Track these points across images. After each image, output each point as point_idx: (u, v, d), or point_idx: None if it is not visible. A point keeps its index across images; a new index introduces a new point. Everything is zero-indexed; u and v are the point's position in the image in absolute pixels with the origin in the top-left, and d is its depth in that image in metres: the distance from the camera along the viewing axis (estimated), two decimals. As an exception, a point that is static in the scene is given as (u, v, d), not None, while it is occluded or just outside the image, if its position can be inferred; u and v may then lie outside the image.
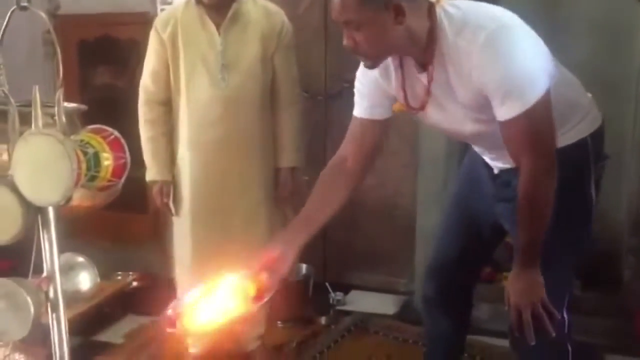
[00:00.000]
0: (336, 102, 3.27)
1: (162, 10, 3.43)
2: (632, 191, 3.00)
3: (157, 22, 2.44)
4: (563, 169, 1.62)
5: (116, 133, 1.24)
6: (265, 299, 1.57)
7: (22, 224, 1.13)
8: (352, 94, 1.86)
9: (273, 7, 2.48)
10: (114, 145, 1.21)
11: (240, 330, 2.59)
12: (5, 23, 1.21)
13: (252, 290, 1.57)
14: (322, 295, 3.34)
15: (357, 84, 1.83)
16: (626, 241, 3.04)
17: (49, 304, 1.20)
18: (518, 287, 1.71)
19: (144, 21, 3.49)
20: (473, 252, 2.05)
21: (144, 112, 2.46)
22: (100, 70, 3.75)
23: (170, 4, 3.41)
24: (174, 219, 2.56)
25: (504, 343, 2.92)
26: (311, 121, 3.13)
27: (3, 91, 1.17)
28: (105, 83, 3.74)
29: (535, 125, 1.57)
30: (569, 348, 1.83)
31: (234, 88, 2.38)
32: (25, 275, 1.24)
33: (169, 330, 1.51)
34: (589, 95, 1.86)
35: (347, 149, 1.84)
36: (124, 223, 3.60)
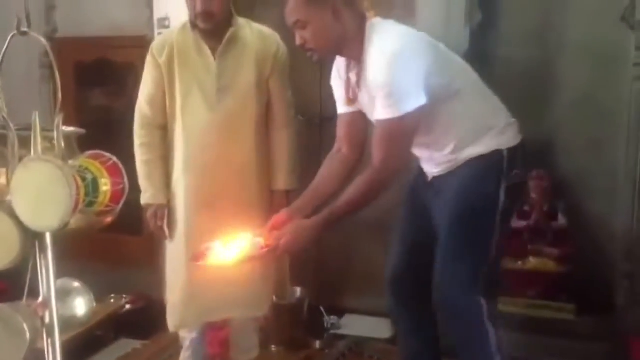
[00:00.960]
0: (331, 125, 3.28)
1: (159, 34, 3.46)
2: (626, 219, 3.01)
3: (154, 47, 2.45)
4: (478, 172, 1.99)
5: (114, 159, 1.25)
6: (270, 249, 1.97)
7: (20, 250, 1.13)
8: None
9: (268, 31, 2.50)
10: (113, 171, 1.22)
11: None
12: (4, 48, 1.22)
13: (261, 242, 1.98)
14: (316, 319, 3.33)
15: (333, 89, 2.20)
16: (620, 267, 3.05)
17: (44, 330, 1.19)
18: (307, 236, 1.98)
19: (142, 45, 3.51)
20: (423, 262, 2.14)
21: (140, 136, 2.46)
22: (97, 93, 3.77)
23: (167, 27, 3.44)
24: (167, 242, 2.55)
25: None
26: (306, 145, 3.14)
27: (3, 117, 1.18)
28: (102, 105, 3.75)
29: (394, 134, 1.90)
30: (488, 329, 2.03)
31: (230, 112, 2.39)
32: (19, 298, 1.24)
33: (199, 262, 1.98)
34: (511, 119, 2.11)
35: (340, 143, 2.22)
36: (119, 245, 3.60)
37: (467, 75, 2.08)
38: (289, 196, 2.54)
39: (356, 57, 2.01)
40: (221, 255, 1.98)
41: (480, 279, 2.01)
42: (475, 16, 3.07)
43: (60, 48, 3.47)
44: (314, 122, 3.38)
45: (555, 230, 3.10)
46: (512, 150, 2.02)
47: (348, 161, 2.20)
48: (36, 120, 1.16)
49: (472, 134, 2.01)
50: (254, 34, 2.45)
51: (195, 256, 2.00)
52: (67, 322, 1.27)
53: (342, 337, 3.22)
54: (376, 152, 1.93)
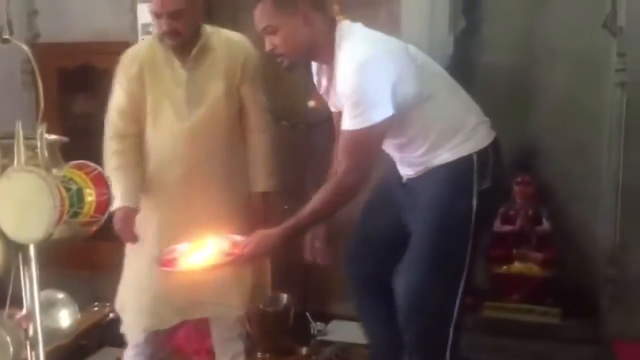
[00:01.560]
0: (318, 130, 3.28)
1: (143, 39, 3.43)
2: (609, 223, 3.04)
3: (124, 59, 2.43)
4: (449, 179, 1.98)
5: (99, 169, 1.23)
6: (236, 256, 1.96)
7: (3, 262, 1.12)
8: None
9: (236, 37, 2.49)
10: (97, 181, 1.21)
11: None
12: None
13: (228, 247, 1.98)
14: (303, 325, 3.32)
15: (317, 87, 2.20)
16: (603, 271, 3.08)
17: (27, 342, 1.17)
18: (270, 245, 1.98)
19: (125, 50, 3.50)
20: (384, 258, 2.19)
21: (111, 145, 2.42)
22: (80, 99, 3.73)
23: (150, 33, 3.42)
24: (130, 248, 2.50)
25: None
26: (292, 150, 3.14)
27: (-15, 127, 1.16)
28: (85, 111, 3.71)
29: (359, 144, 1.89)
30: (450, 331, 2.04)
31: (201, 121, 2.40)
32: (1, 307, 1.21)
33: (166, 269, 1.98)
34: (483, 118, 2.08)
35: (335, 157, 2.16)
36: (101, 252, 3.55)
37: (438, 78, 2.07)
38: (268, 199, 2.53)
39: (327, 62, 2.02)
40: (187, 262, 1.99)
41: (456, 288, 2.01)
42: (459, 22, 3.09)
43: (43, 54, 3.43)
44: (300, 127, 3.37)
45: (540, 235, 3.13)
46: (482, 153, 2.01)
47: None
48: (19, 129, 1.14)
49: (444, 136, 2.00)
50: (222, 42, 2.43)
51: (159, 260, 2.01)
52: (51, 334, 1.25)
53: (329, 343, 3.21)
54: (342, 161, 1.94)
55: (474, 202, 1.99)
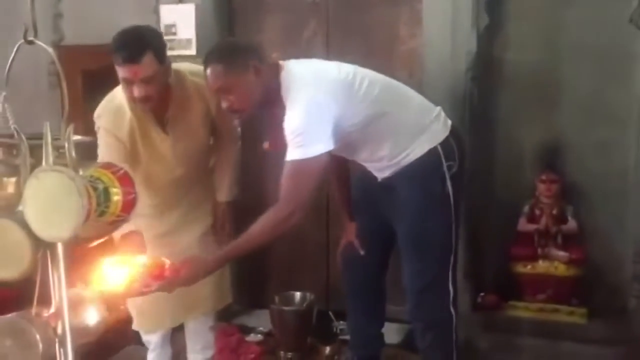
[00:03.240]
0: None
1: (167, 40, 3.46)
2: (636, 221, 3.00)
3: (108, 123, 2.33)
4: (423, 172, 2.18)
5: (126, 168, 1.24)
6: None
7: (32, 260, 1.13)
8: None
9: (202, 80, 2.36)
10: (123, 181, 1.22)
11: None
12: (11, 58, 1.22)
13: (152, 267, 1.90)
14: (325, 324, 3.31)
15: None
16: (630, 270, 3.03)
17: (57, 340, 1.19)
18: (204, 270, 2.02)
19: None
20: (374, 259, 2.51)
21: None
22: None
23: (174, 34, 3.45)
24: None
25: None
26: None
27: (14, 127, 1.18)
28: (109, 112, 3.75)
29: (296, 175, 2.01)
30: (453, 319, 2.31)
31: (184, 153, 2.44)
32: (29, 304, 1.23)
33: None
34: (436, 108, 2.30)
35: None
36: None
37: (387, 95, 2.20)
38: (230, 206, 2.62)
39: (277, 106, 2.11)
40: (110, 278, 1.80)
41: (449, 271, 2.25)
42: (482, 19, 3.06)
43: (68, 56, 3.48)
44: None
45: (565, 234, 3.09)
46: (444, 143, 2.21)
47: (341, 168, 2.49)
48: (47, 130, 1.16)
49: (400, 144, 2.19)
50: (192, 90, 2.38)
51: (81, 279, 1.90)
52: (79, 332, 1.27)
53: (349, 340, 3.20)
54: (282, 191, 2.04)
55: (449, 187, 2.19)
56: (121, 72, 2.18)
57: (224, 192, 2.60)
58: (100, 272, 1.74)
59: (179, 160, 2.42)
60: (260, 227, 2.03)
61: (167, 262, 1.95)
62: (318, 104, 2.04)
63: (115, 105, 2.34)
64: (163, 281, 1.90)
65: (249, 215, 2.12)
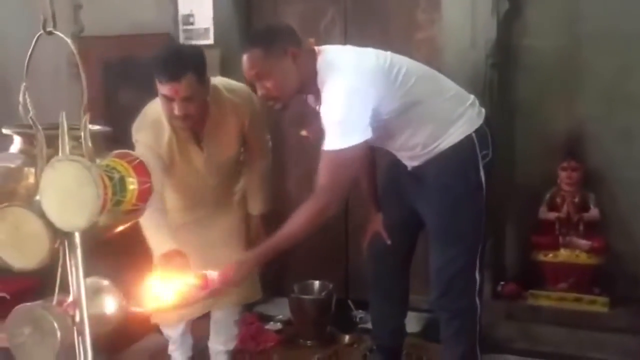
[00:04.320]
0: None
1: (184, 30, 3.47)
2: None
3: (145, 138, 2.33)
4: (457, 160, 2.14)
5: (141, 157, 1.25)
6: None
7: (49, 249, 1.14)
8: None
9: (237, 97, 2.43)
10: (139, 170, 1.22)
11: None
12: (31, 49, 1.23)
13: (197, 281, 1.93)
14: (345, 313, 3.32)
15: None
16: (654, 258, 2.99)
17: (75, 329, 1.20)
18: (249, 269, 2.03)
19: (166, 42, 3.54)
20: (401, 250, 2.50)
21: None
22: (124, 90, 3.79)
23: (192, 24, 3.46)
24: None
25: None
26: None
27: (31, 117, 1.18)
28: (128, 103, 3.77)
29: (335, 165, 1.98)
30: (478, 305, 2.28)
31: (219, 177, 2.50)
32: (50, 294, 1.25)
33: (135, 309, 1.76)
34: (471, 97, 2.25)
35: None
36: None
37: (422, 84, 2.15)
38: (264, 219, 2.65)
39: (315, 92, 2.09)
40: (160, 297, 1.84)
41: (477, 260, 2.22)
42: (502, 5, 3.02)
43: (87, 47, 3.50)
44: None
45: (587, 222, 3.05)
46: (479, 131, 2.17)
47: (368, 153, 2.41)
48: (63, 120, 1.16)
49: (436, 131, 2.14)
50: (227, 108, 2.40)
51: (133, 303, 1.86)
52: (97, 321, 1.28)
53: (370, 331, 3.21)
54: (319, 181, 2.01)
55: (482, 176, 2.15)
56: (162, 89, 2.19)
57: (257, 205, 2.63)
58: (149, 291, 1.77)
59: (211, 173, 2.46)
60: (299, 219, 2.00)
61: (210, 273, 1.96)
62: (357, 92, 2.00)
63: (154, 120, 2.35)
64: (211, 289, 1.92)
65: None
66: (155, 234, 2.25)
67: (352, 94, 1.99)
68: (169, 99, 2.19)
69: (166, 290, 1.85)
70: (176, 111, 2.19)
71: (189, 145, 2.38)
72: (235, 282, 1.99)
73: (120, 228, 1.32)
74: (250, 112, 2.45)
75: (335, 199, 2.02)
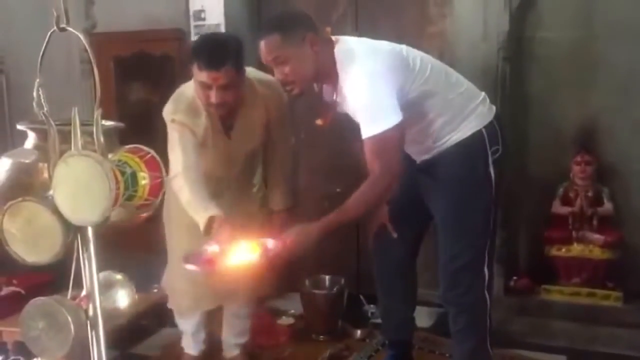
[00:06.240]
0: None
1: (195, 26, 3.48)
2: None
3: (184, 118, 2.31)
4: (466, 154, 2.13)
5: (152, 152, 1.25)
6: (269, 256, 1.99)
7: (63, 244, 1.15)
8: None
9: (267, 89, 2.41)
10: (151, 165, 1.23)
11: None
12: (44, 45, 1.24)
13: (257, 249, 2.00)
14: (356, 308, 3.32)
15: None
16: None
17: (88, 322, 1.21)
18: (311, 239, 2.04)
19: (178, 37, 3.55)
20: (409, 240, 2.48)
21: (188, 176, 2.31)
22: (136, 86, 3.81)
23: (203, 19, 3.46)
24: (168, 233, 2.61)
25: (545, 357, 2.89)
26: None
27: (43, 113, 1.19)
28: (141, 98, 3.80)
29: (380, 149, 2.00)
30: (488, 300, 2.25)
31: (241, 166, 2.50)
32: (64, 289, 1.26)
33: (198, 268, 2.00)
34: (481, 93, 2.23)
35: None
36: (161, 235, 3.63)
37: (436, 76, 2.16)
38: (287, 213, 2.62)
39: (331, 81, 2.11)
40: (226, 261, 1.99)
41: (486, 255, 2.20)
42: (515, -2, 3.01)
43: (100, 42, 3.53)
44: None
45: (601, 216, 3.03)
46: (489, 127, 2.16)
47: None
48: (75, 115, 1.17)
49: (448, 125, 2.15)
50: (257, 99, 2.41)
51: (187, 258, 2.03)
52: (110, 314, 1.29)
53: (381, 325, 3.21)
54: (374, 165, 2.02)
55: (491, 171, 2.15)
56: (200, 76, 2.19)
57: (279, 200, 2.61)
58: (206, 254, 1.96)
59: (235, 161, 2.48)
60: (362, 199, 2.05)
61: (268, 240, 2.03)
62: (381, 76, 2.01)
63: (191, 103, 2.34)
64: (272, 254, 1.99)
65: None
66: (201, 201, 2.24)
67: (376, 78, 2.00)
68: (206, 86, 2.21)
69: (226, 255, 1.97)
70: (213, 99, 2.21)
71: (219, 133, 2.40)
72: (296, 251, 2.02)
73: (131, 222, 1.33)
74: (278, 104, 2.46)
75: (391, 182, 2.06)
